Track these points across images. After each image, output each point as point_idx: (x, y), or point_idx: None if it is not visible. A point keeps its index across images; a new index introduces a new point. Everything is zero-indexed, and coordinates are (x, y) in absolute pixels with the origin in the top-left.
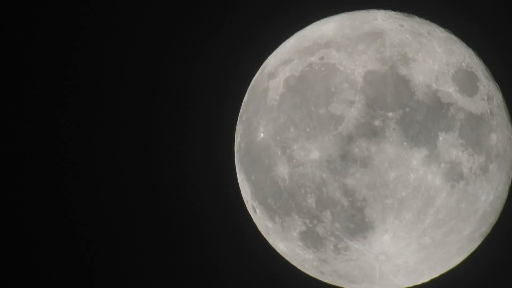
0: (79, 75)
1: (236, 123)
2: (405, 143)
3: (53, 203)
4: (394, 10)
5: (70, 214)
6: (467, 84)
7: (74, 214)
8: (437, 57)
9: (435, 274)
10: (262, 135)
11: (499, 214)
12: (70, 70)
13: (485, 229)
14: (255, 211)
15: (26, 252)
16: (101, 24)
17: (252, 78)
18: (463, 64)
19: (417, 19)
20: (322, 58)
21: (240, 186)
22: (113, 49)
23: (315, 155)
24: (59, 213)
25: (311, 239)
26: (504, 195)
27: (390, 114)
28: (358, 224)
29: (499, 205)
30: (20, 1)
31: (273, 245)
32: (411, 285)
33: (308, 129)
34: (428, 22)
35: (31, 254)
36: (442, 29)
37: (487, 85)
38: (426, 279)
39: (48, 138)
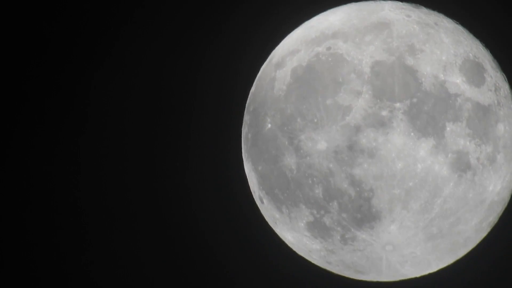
0: (87, 76)
1: (243, 113)
2: (412, 133)
3: (63, 199)
4: (401, 0)
5: (82, 211)
6: (475, 75)
7: (84, 211)
8: (444, 47)
9: (442, 264)
10: (269, 125)
11: (506, 204)
12: (78, 71)
13: (492, 219)
14: (262, 202)
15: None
16: (117, 20)
17: (260, 68)
18: (471, 54)
19: (424, 9)
20: (329, 48)
21: (247, 177)
22: (125, 46)
23: (322, 145)
24: (69, 210)
25: (318, 229)
26: (511, 185)
27: (397, 104)
28: (365, 215)
29: (506, 195)
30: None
31: (280, 236)
32: (418, 275)
33: (315, 120)
34: (436, 12)
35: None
36: (449, 20)
37: (494, 76)
38: (433, 269)
39: (59, 135)
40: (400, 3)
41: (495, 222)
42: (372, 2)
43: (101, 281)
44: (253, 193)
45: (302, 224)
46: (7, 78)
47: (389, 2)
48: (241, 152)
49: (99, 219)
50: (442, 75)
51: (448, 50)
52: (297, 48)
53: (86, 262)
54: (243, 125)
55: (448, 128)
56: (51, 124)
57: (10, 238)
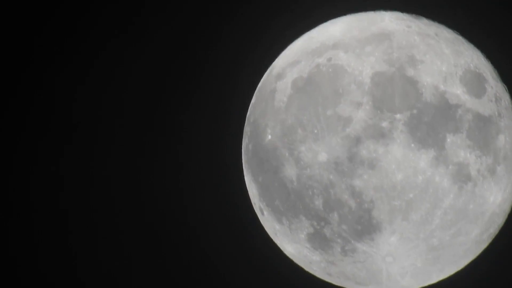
0: (88, 76)
1: (244, 124)
2: (412, 144)
3: (62, 200)
4: (402, 11)
5: (81, 214)
6: (475, 86)
7: (84, 215)
8: (445, 58)
9: (442, 276)
10: (269, 136)
11: (506, 215)
12: (81, 72)
13: (492, 230)
14: (262, 213)
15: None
16: (114, 24)
17: (260, 79)
18: (471, 65)
19: (424, 20)
20: (329, 59)
21: (247, 188)
22: (123, 49)
23: (322, 157)
24: (69, 211)
25: (319, 241)
26: None
27: (397, 115)
28: (365, 226)
29: (507, 207)
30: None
31: (280, 247)
32: (418, 286)
33: (315, 131)
34: (436, 23)
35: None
36: (449, 31)
37: (495, 87)
38: (433, 280)
39: (62, 134)
40: (401, 13)
41: (496, 233)
42: (373, 12)
43: None
44: (253, 205)
45: (303, 236)
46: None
47: (390, 12)
48: (241, 163)
49: (97, 232)
50: (442, 86)
51: (448, 61)
52: (297, 59)
53: (87, 269)
54: (243, 136)
55: (448, 140)
56: (53, 121)
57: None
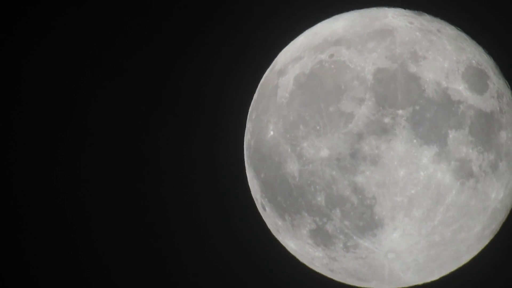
0: (89, 77)
1: (246, 120)
2: (415, 140)
3: (63, 201)
4: (404, 7)
5: (84, 212)
6: (477, 82)
7: (85, 212)
8: (447, 54)
9: (444, 272)
10: (271, 132)
11: (509, 211)
12: (83, 73)
13: (495, 226)
14: (264, 209)
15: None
16: (122, 21)
17: (262, 75)
18: (473, 61)
19: (427, 16)
20: (332, 55)
21: (249, 184)
22: (126, 49)
23: (325, 153)
24: (71, 211)
25: (321, 237)
26: None
27: (400, 111)
28: (367, 222)
29: (509, 203)
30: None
31: (282, 243)
32: (420, 282)
33: (318, 127)
34: (438, 19)
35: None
36: (452, 27)
37: (497, 83)
38: (435, 277)
39: (68, 134)
40: (403, 10)
41: (498, 229)
42: (375, 9)
43: None
44: (255, 201)
45: (305, 232)
46: None
47: (392, 9)
48: (243, 160)
49: (100, 234)
50: (444, 82)
51: (450, 57)
52: (300, 55)
53: (87, 269)
54: (245, 132)
55: (450, 136)
56: (56, 120)
57: None
